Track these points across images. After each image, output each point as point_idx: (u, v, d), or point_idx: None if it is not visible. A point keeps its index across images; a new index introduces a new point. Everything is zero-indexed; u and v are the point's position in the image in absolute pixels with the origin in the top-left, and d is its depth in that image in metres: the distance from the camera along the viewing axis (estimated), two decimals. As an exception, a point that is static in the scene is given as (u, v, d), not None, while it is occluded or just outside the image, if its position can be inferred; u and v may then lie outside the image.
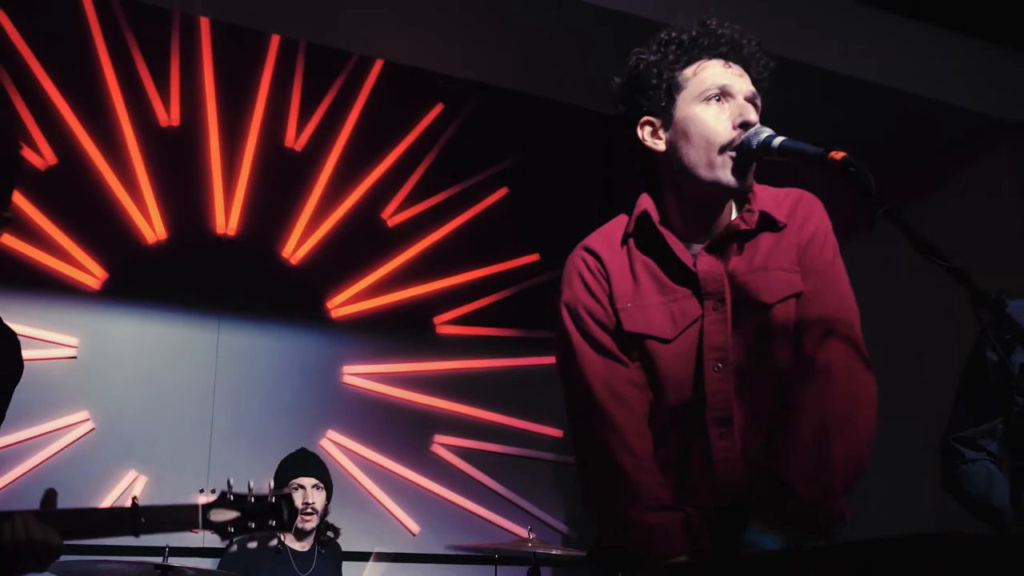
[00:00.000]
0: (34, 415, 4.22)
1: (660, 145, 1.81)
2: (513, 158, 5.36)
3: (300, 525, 4.10)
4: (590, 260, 1.84)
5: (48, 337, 4.34)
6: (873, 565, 0.99)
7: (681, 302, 1.77)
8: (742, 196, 1.80)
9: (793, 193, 1.84)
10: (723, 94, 1.77)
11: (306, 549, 4.18)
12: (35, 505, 4.17)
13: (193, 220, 4.73)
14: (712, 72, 1.79)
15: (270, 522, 2.35)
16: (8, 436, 4.07)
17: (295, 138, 5.00)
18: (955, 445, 2.64)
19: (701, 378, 1.73)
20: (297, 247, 4.90)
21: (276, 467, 4.23)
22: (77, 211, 4.51)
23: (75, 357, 4.37)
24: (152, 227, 4.64)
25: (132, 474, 4.36)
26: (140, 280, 4.57)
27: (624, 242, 1.84)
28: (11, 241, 4.34)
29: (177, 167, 4.74)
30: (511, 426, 5.09)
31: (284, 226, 4.90)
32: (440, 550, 4.75)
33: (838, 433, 1.66)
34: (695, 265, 1.78)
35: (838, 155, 1.58)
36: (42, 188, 4.45)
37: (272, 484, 2.40)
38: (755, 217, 1.79)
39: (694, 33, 1.83)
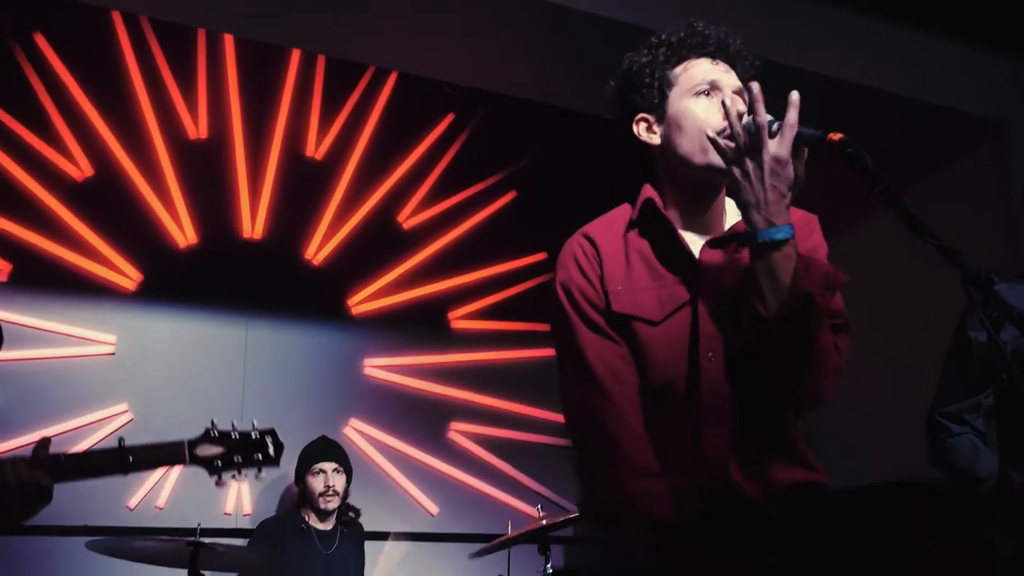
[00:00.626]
0: (78, 407, 4.31)
1: (655, 139, 1.83)
2: (520, 164, 5.40)
3: (323, 506, 4.20)
4: (585, 245, 1.84)
5: (89, 335, 4.42)
6: (844, 515, 0.93)
7: (670, 288, 1.76)
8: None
9: (797, 211, 1.80)
10: (712, 88, 1.79)
11: (329, 528, 4.27)
12: (81, 487, 4.26)
13: (221, 225, 4.79)
14: (701, 69, 1.81)
15: (256, 456, 2.30)
16: (55, 426, 4.16)
17: (315, 148, 5.06)
18: (941, 420, 2.60)
19: (696, 364, 1.71)
20: (319, 249, 4.95)
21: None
22: (113, 218, 4.57)
23: (114, 353, 4.43)
24: (183, 232, 4.70)
25: (168, 462, 4.44)
26: (173, 281, 4.62)
27: (628, 230, 1.84)
28: (54, 247, 4.44)
29: (206, 176, 4.80)
30: (522, 413, 5.11)
31: (307, 230, 4.94)
32: (456, 529, 4.79)
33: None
34: (699, 255, 1.77)
35: (836, 136, 1.59)
36: (81, 198, 4.54)
37: (255, 423, 2.34)
38: None
39: (682, 34, 1.85)
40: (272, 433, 2.33)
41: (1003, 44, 4.65)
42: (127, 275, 4.57)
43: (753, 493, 1.66)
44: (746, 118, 1.67)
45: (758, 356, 1.69)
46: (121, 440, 2.18)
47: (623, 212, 1.89)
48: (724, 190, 1.85)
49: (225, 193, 4.84)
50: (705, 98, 1.79)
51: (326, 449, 4.31)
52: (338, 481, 4.24)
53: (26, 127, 4.49)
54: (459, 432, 5.04)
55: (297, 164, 5.01)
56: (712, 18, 1.91)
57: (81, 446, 4.28)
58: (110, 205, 4.59)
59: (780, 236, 1.64)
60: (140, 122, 4.71)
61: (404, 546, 4.43)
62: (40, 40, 4.56)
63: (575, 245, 1.86)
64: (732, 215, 1.84)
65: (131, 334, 4.49)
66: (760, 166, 1.64)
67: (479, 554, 4.01)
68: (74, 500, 4.21)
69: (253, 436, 2.30)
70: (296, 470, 4.31)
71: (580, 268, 1.82)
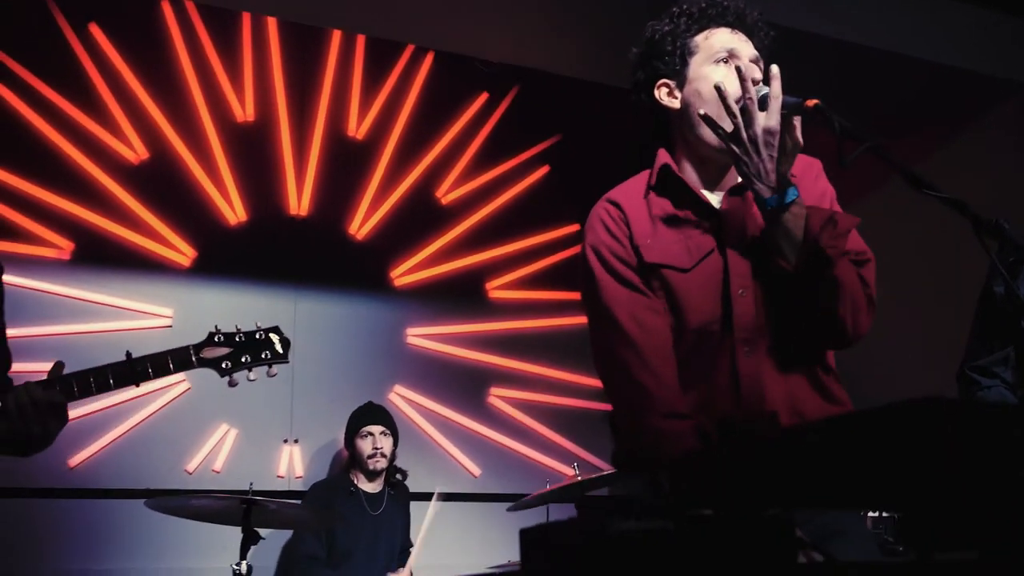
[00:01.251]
0: (138, 377, 4.42)
1: (676, 104, 1.87)
2: (553, 139, 5.42)
3: (371, 467, 4.26)
4: (611, 208, 1.88)
5: (146, 309, 4.51)
6: (866, 434, 0.89)
7: (696, 238, 1.80)
8: None
9: (803, 157, 1.85)
10: (730, 56, 1.83)
11: (377, 490, 4.34)
12: (140, 451, 4.33)
13: (270, 203, 4.84)
14: (720, 38, 1.86)
15: (264, 354, 2.28)
16: (120, 395, 4.23)
17: (356, 127, 5.11)
18: (970, 373, 2.60)
19: (728, 303, 1.74)
20: (362, 224, 5.00)
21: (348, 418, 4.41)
22: (168, 199, 4.65)
23: (171, 326, 4.51)
24: (234, 210, 4.77)
25: (224, 427, 4.50)
26: (225, 257, 4.69)
27: (647, 193, 1.87)
28: (113, 227, 4.53)
29: (253, 157, 4.86)
30: (558, 378, 5.15)
31: (350, 206, 4.99)
32: (498, 490, 4.85)
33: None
34: (719, 204, 1.81)
35: (811, 102, 1.66)
36: (136, 180, 4.62)
37: (258, 323, 2.31)
38: None
39: (703, 5, 1.89)
40: (277, 330, 2.30)
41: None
42: (182, 252, 4.65)
43: (788, 422, 1.67)
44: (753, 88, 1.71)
45: (792, 297, 1.72)
46: (128, 353, 2.17)
47: (641, 178, 1.94)
48: None
49: (272, 172, 4.90)
50: (724, 65, 1.83)
51: (373, 413, 4.38)
52: (385, 443, 4.30)
53: (85, 114, 4.58)
54: (498, 397, 5.09)
55: (340, 144, 5.06)
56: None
57: (145, 412, 4.40)
58: (164, 186, 4.67)
59: (787, 200, 1.69)
60: (191, 106, 4.78)
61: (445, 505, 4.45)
62: (95, 30, 4.64)
63: (601, 210, 1.91)
64: None
65: (187, 308, 4.57)
66: (754, 139, 1.70)
67: (516, 507, 4.05)
68: (135, 466, 4.33)
69: (258, 336, 2.28)
70: (345, 434, 4.39)
71: (608, 229, 1.87)
